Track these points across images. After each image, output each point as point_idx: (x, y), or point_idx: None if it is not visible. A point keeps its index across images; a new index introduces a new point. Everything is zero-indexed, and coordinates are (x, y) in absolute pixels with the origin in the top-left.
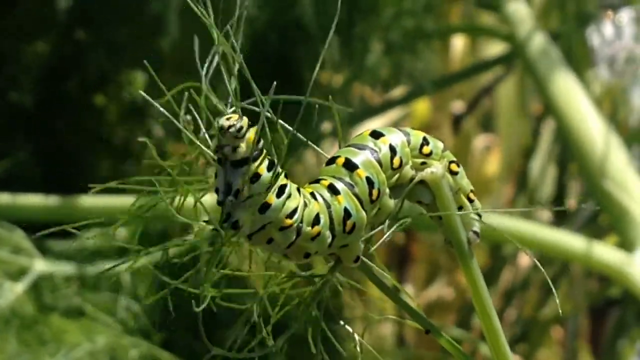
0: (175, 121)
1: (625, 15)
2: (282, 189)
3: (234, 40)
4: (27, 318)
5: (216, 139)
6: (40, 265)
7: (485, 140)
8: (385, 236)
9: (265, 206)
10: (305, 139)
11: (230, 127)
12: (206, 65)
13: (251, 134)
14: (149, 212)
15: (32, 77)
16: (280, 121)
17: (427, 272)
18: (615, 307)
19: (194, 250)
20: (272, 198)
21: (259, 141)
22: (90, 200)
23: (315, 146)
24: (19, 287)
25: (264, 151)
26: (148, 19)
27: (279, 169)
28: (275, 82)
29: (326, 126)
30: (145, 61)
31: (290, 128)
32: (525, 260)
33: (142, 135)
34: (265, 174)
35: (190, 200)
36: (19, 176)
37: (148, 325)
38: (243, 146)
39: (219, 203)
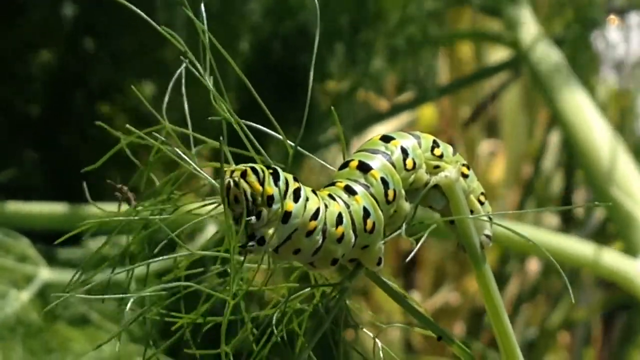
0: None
1: (631, 20)
2: (296, 193)
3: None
4: (33, 326)
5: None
6: (46, 274)
7: (490, 146)
8: (393, 234)
9: (287, 215)
10: (308, 153)
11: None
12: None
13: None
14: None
15: (38, 86)
16: (283, 136)
17: (434, 278)
18: (623, 313)
19: (201, 258)
20: (290, 205)
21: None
22: (96, 209)
23: (317, 158)
24: (25, 296)
25: (263, 170)
26: (154, 29)
27: (286, 176)
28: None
29: (333, 131)
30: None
31: (292, 143)
32: (533, 266)
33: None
34: (275, 189)
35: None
36: (25, 185)
37: (154, 333)
38: (265, 211)
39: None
